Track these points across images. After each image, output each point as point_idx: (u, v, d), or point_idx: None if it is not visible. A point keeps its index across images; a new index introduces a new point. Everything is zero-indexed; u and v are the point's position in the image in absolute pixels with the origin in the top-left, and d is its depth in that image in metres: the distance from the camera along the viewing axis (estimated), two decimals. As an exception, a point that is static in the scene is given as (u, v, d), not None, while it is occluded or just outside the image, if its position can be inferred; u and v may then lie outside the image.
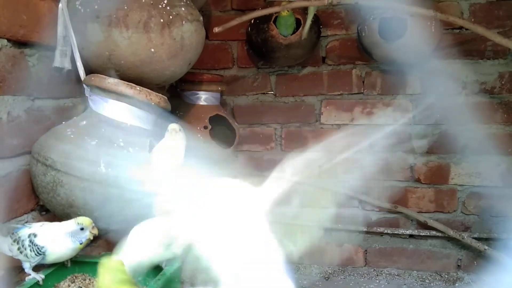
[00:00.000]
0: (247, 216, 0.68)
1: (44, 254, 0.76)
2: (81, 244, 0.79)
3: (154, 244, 0.71)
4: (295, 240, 0.72)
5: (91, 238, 0.80)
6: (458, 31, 1.55)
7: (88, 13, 0.94)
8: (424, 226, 1.62)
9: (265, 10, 1.33)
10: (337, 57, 1.65)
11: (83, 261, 0.86)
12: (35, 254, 0.76)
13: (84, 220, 0.79)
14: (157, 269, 0.82)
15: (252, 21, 1.52)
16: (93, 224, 0.80)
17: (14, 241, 0.76)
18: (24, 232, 0.77)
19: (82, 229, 0.78)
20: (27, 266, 0.77)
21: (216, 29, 1.24)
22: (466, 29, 1.52)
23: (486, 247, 1.50)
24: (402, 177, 1.65)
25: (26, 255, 0.76)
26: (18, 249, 0.76)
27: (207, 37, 1.40)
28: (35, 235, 0.76)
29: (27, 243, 0.76)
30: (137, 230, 0.74)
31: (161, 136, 1.01)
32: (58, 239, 0.77)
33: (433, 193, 1.63)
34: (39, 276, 0.77)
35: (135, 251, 0.72)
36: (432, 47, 1.42)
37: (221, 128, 1.61)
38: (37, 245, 0.76)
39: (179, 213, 0.73)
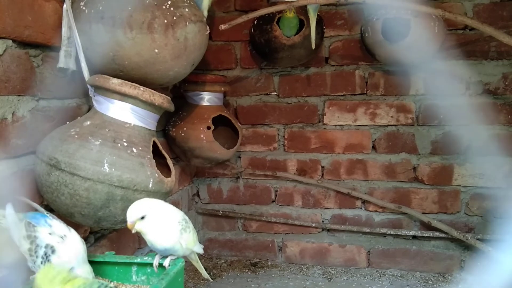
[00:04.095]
0: None
1: None
2: None
3: None
4: None
5: None
6: (461, 31, 1.55)
7: (93, 14, 0.94)
8: (427, 227, 1.62)
9: (272, 8, 1.32)
10: (340, 58, 1.65)
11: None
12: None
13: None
14: (160, 268, 0.83)
15: (255, 22, 1.52)
16: None
17: (28, 237, 0.70)
18: (42, 235, 0.71)
19: None
20: (31, 266, 0.76)
21: (223, 26, 1.23)
22: (470, 30, 1.53)
23: (490, 248, 1.49)
24: (405, 178, 1.65)
25: (33, 261, 0.70)
26: (29, 250, 0.70)
27: (210, 37, 1.40)
28: (53, 251, 0.71)
29: (41, 253, 0.70)
30: None
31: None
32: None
33: (437, 194, 1.63)
34: (44, 275, 0.76)
35: None
36: (436, 48, 1.42)
37: (224, 128, 1.61)
38: (50, 262, 0.70)
39: None
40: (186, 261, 0.87)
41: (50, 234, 0.72)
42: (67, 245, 0.72)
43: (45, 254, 0.70)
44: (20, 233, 0.71)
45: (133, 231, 0.79)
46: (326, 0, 1.29)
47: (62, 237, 0.73)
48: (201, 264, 0.93)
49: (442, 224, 1.57)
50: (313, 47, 1.39)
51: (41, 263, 0.70)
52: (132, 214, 0.78)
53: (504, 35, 1.19)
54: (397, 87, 1.62)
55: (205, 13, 1.16)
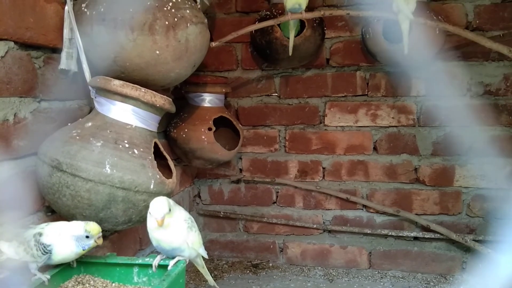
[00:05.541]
0: None
1: (50, 253, 0.76)
2: (83, 250, 0.78)
3: None
4: None
5: (94, 247, 0.79)
6: (462, 33, 1.55)
7: (94, 16, 0.94)
8: (428, 228, 1.62)
9: (261, 24, 1.32)
10: (341, 59, 1.65)
11: (89, 262, 0.86)
12: (42, 253, 0.75)
13: (93, 229, 0.78)
14: (160, 269, 0.83)
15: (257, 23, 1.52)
16: (100, 234, 0.79)
17: (20, 243, 0.76)
18: (29, 232, 0.77)
19: (87, 237, 0.77)
20: (33, 267, 0.77)
21: (213, 44, 1.25)
22: (471, 31, 1.52)
23: (490, 250, 1.49)
24: (406, 179, 1.64)
25: (32, 255, 0.75)
26: (24, 249, 0.75)
27: (211, 39, 1.40)
28: (40, 234, 0.76)
29: (32, 242, 0.75)
30: None
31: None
32: (64, 239, 0.77)
33: (438, 196, 1.63)
34: (45, 277, 0.77)
35: None
36: (437, 49, 1.42)
37: (225, 130, 1.61)
38: (43, 244, 0.75)
39: None
40: (187, 263, 0.86)
41: (34, 229, 0.78)
42: (52, 225, 0.79)
43: (36, 240, 0.75)
44: (14, 247, 0.75)
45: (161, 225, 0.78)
46: (312, 14, 1.30)
47: (46, 225, 0.79)
48: (207, 270, 0.91)
49: (441, 227, 1.57)
50: (290, 54, 1.37)
51: (37, 250, 0.75)
52: (161, 208, 0.78)
53: (487, 40, 1.18)
54: (398, 88, 1.62)
55: None
